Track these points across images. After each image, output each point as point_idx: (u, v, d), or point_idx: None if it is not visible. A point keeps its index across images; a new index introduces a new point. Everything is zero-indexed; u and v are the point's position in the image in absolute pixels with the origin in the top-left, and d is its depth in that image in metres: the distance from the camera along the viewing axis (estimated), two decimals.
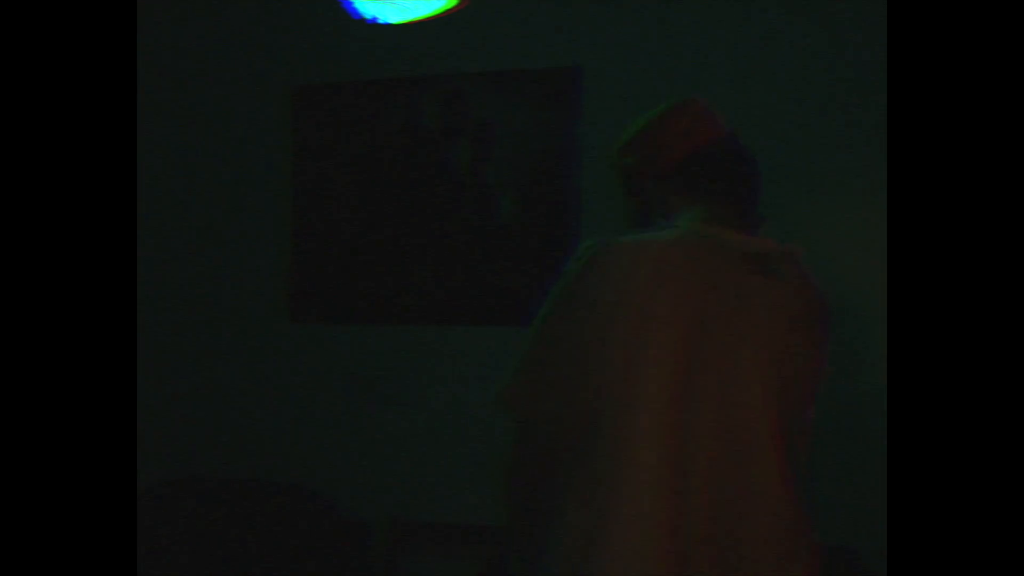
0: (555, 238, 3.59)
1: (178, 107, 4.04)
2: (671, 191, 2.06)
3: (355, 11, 2.75)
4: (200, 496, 3.70)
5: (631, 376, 1.82)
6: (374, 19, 2.74)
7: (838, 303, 3.32)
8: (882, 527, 2.27)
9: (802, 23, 3.37)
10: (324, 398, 3.84)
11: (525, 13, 3.65)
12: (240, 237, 3.97)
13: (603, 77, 3.57)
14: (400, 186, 3.77)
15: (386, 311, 3.79)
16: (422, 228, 3.74)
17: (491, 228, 3.67)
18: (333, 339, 3.85)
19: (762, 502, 1.84)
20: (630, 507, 1.79)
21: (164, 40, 4.03)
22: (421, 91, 3.74)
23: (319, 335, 3.86)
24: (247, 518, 3.59)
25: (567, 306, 1.91)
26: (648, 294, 1.86)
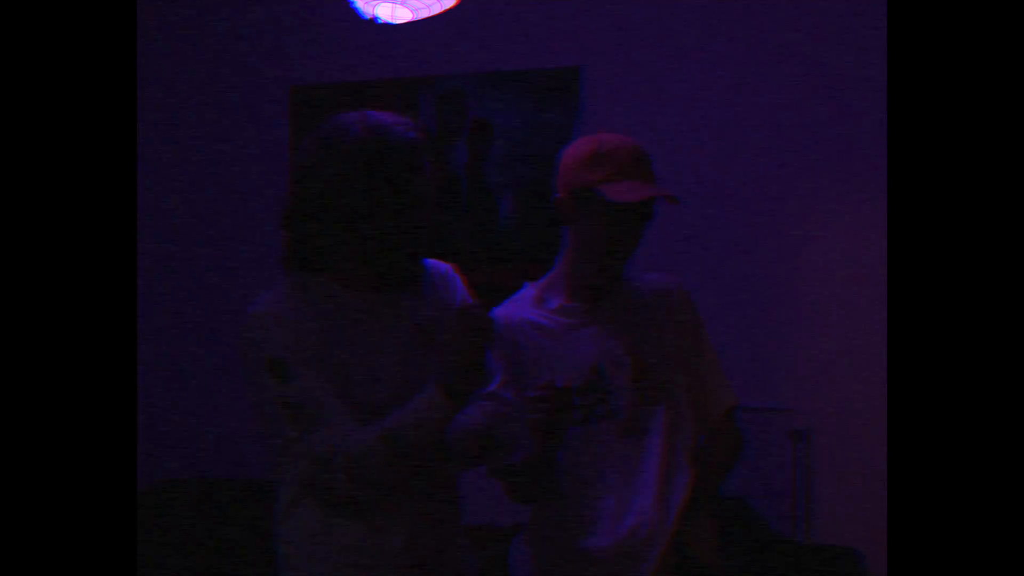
0: (555, 238, 3.59)
1: (178, 107, 4.04)
2: None
3: (356, 11, 2.76)
4: (200, 496, 3.70)
5: None
6: (374, 19, 2.74)
7: (837, 304, 3.33)
8: (882, 527, 2.28)
9: (802, 23, 3.37)
10: None
11: (525, 13, 3.65)
12: (239, 237, 3.97)
13: (603, 77, 3.57)
14: None
15: None
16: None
17: (491, 228, 3.67)
18: None
19: None
20: None
21: (164, 40, 4.04)
22: (421, 91, 3.74)
23: None
24: (247, 518, 3.59)
25: None
26: None
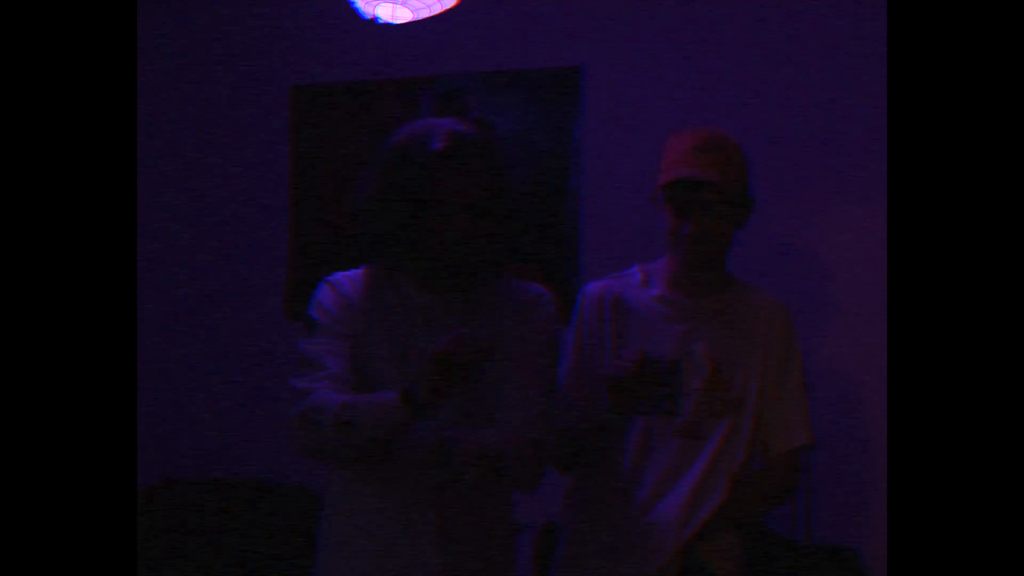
0: (555, 238, 3.59)
1: (178, 107, 4.04)
2: None
3: (356, 11, 2.76)
4: (200, 496, 3.70)
5: None
6: (375, 19, 2.74)
7: (837, 303, 3.32)
8: (882, 527, 2.28)
9: (802, 23, 3.37)
10: None
11: (525, 13, 3.64)
12: (239, 237, 3.97)
13: (603, 77, 3.56)
14: None
15: None
16: None
17: None
18: None
19: None
20: None
21: (164, 40, 4.03)
22: (421, 91, 3.74)
23: None
24: (247, 518, 3.59)
25: None
26: None
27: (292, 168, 3.90)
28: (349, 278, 2.10)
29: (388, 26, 2.86)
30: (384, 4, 2.69)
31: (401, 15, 2.74)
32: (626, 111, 3.51)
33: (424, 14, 2.74)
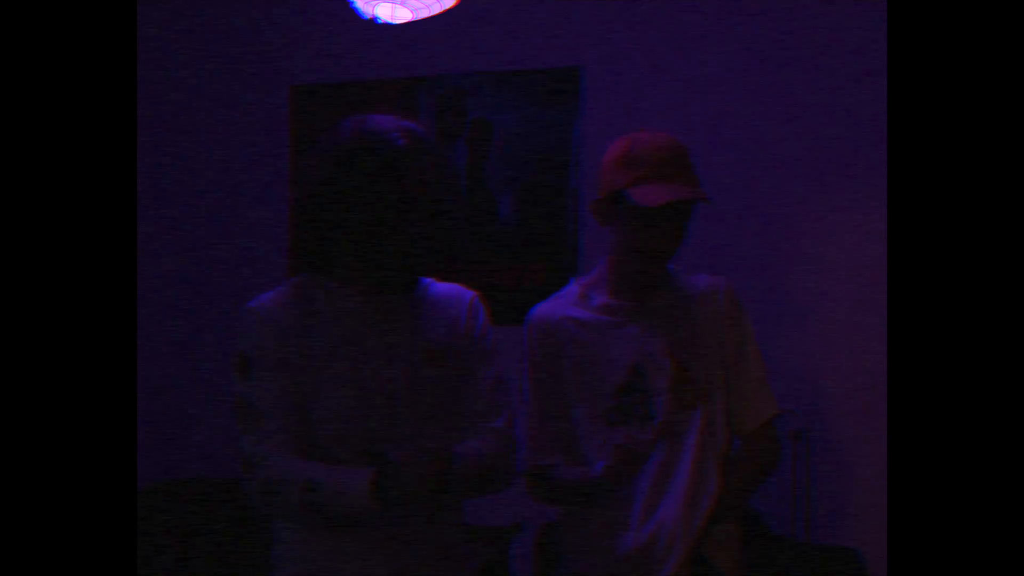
0: (555, 238, 3.59)
1: (178, 107, 4.04)
2: None
3: (356, 11, 2.76)
4: (200, 496, 3.70)
5: None
6: (374, 19, 2.74)
7: (838, 303, 3.33)
8: (882, 527, 2.28)
9: (803, 22, 3.37)
10: None
11: (525, 13, 3.65)
12: (239, 236, 3.97)
13: (603, 77, 3.57)
14: None
15: None
16: None
17: (491, 228, 3.67)
18: None
19: None
20: None
21: (164, 40, 4.03)
22: (421, 91, 3.74)
23: None
24: (246, 518, 3.58)
25: None
26: None
27: (292, 168, 3.90)
28: (273, 299, 1.99)
29: (388, 26, 2.86)
30: (384, 4, 2.69)
31: (401, 15, 2.74)
32: (626, 111, 3.52)
33: (424, 14, 2.74)
